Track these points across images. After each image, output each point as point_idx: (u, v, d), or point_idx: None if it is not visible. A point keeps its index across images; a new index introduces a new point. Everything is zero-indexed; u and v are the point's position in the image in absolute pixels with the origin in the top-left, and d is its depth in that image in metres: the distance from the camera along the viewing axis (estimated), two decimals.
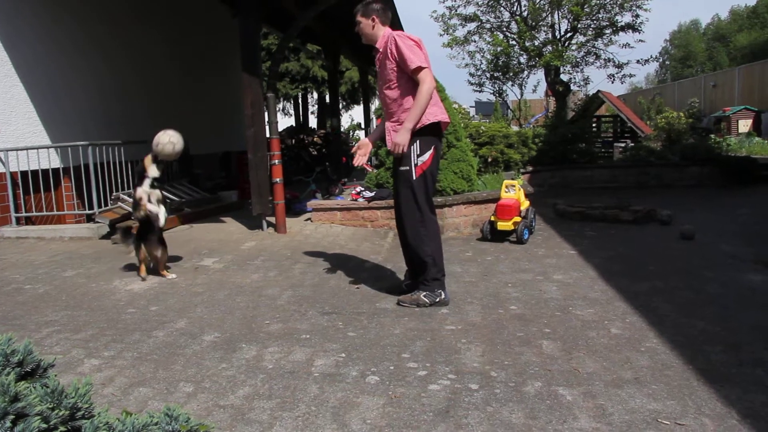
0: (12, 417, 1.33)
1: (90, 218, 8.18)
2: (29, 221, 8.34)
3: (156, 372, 3.40)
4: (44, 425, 1.36)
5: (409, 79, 4.35)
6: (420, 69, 4.26)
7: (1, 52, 7.93)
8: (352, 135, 24.22)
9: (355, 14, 4.60)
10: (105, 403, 2.98)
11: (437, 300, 4.49)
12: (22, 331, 4.18)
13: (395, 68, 4.37)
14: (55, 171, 8.33)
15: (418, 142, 4.38)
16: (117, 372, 3.41)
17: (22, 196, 8.16)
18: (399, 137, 4.34)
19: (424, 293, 4.49)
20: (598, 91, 16.42)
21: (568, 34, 17.27)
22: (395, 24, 10.93)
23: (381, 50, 4.47)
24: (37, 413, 1.36)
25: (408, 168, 4.41)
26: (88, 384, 1.53)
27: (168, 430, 1.60)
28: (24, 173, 8.04)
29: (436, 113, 4.41)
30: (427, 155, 4.40)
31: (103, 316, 4.48)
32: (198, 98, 12.97)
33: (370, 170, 9.46)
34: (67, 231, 7.85)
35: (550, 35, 17.60)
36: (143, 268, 5.57)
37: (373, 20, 4.50)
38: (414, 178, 4.40)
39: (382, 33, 4.50)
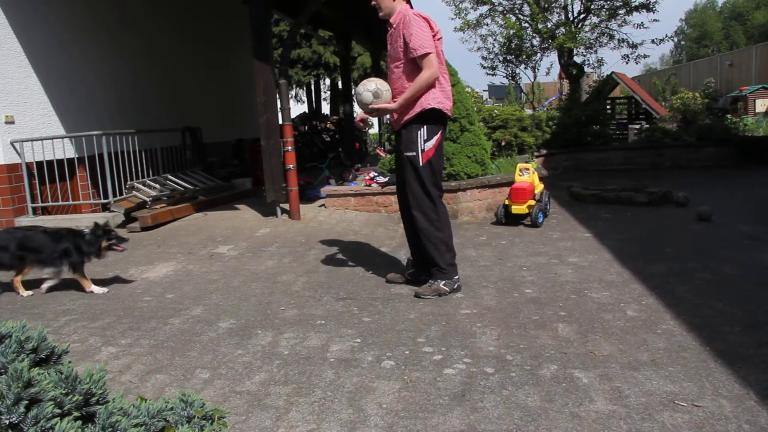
0: (26, 402, 1.34)
1: (105, 207, 8.22)
2: (45, 211, 8.40)
3: (173, 359, 3.43)
4: (58, 410, 1.37)
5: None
6: (425, 56, 4.19)
7: (15, 43, 7.95)
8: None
9: None
10: (122, 389, 3.00)
11: (455, 286, 4.46)
12: (41, 319, 4.23)
13: (404, 48, 4.29)
14: (70, 161, 8.37)
15: (424, 127, 4.34)
16: (134, 359, 3.44)
17: (38, 186, 8.21)
18: (384, 105, 4.36)
19: (443, 282, 4.44)
20: (612, 72, 16.22)
21: (581, 16, 17.08)
22: None
23: (394, 26, 4.38)
24: (50, 399, 1.37)
25: (414, 154, 4.36)
26: (102, 370, 1.54)
27: (183, 415, 1.60)
28: (39, 163, 8.09)
29: (440, 99, 4.33)
30: (434, 140, 4.36)
31: (120, 304, 4.51)
32: (210, 86, 12.97)
33: (384, 156, 9.45)
34: (83, 220, 7.88)
35: (563, 17, 17.42)
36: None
37: None
38: (421, 164, 4.35)
39: (399, 8, 4.40)
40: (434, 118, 4.35)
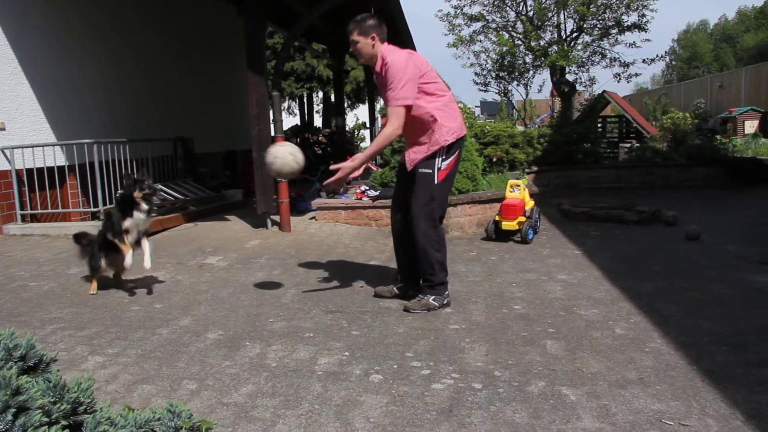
0: (13, 410, 1.33)
1: (95, 216, 8.19)
2: (34, 219, 8.36)
3: (159, 369, 3.41)
4: (46, 419, 1.36)
5: (419, 98, 4.20)
6: (393, 107, 4.08)
7: (8, 50, 7.95)
8: (357, 134, 24.20)
9: (349, 33, 4.27)
10: (108, 399, 2.99)
11: (444, 302, 4.45)
12: (27, 327, 4.20)
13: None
14: (61, 169, 8.34)
15: (444, 149, 4.32)
16: (121, 369, 3.42)
17: (27, 193, 8.18)
18: (349, 164, 4.23)
19: (433, 297, 4.42)
20: (604, 91, 16.35)
21: (574, 34, 17.25)
22: (401, 23, 10.96)
23: (378, 72, 4.28)
24: (38, 407, 1.36)
25: (430, 171, 4.30)
26: (91, 379, 1.53)
27: (170, 426, 1.59)
28: (30, 171, 8.06)
29: (454, 129, 4.30)
30: (451, 159, 4.33)
31: (108, 314, 4.49)
32: (203, 97, 12.99)
33: (375, 169, 9.46)
34: (72, 228, 7.82)
35: (555, 35, 17.58)
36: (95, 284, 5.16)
37: (373, 38, 4.23)
38: (436, 182, 4.31)
39: (378, 52, 4.25)
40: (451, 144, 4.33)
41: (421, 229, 4.37)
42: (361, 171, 4.40)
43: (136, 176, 4.89)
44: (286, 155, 4.22)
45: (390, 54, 4.19)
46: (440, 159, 4.30)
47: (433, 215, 4.38)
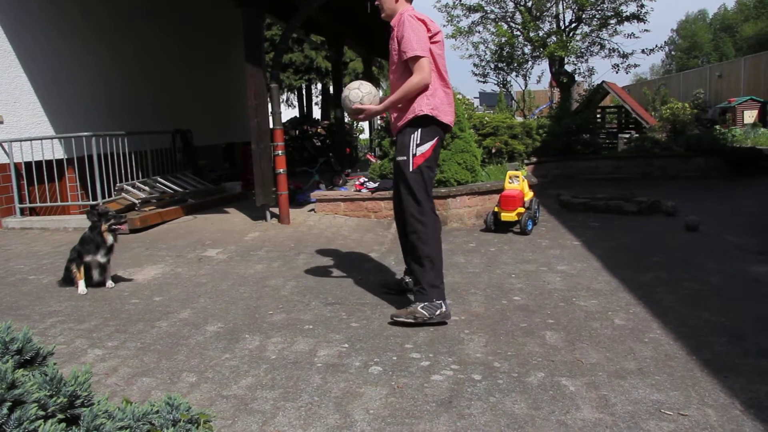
0: (9, 404, 1.33)
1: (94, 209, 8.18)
2: (33, 212, 8.35)
3: (159, 362, 3.41)
4: (42, 412, 1.36)
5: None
6: (416, 59, 3.96)
7: (5, 43, 7.92)
8: (356, 126, 24.15)
9: None
10: (108, 392, 2.98)
11: (437, 313, 3.90)
12: (27, 321, 4.20)
13: (398, 50, 4.08)
14: (59, 162, 8.33)
15: (419, 131, 4.07)
16: (120, 362, 3.42)
17: (26, 186, 8.17)
18: (373, 107, 4.17)
19: (422, 305, 3.93)
20: (603, 81, 16.28)
21: (573, 25, 17.19)
22: None
23: (394, 28, 4.17)
24: (34, 400, 1.36)
25: (405, 158, 4.08)
26: (88, 372, 1.53)
27: (168, 419, 1.59)
28: (28, 164, 8.04)
29: (434, 105, 4.07)
30: (428, 146, 4.07)
31: (107, 307, 4.49)
32: (201, 89, 12.95)
33: (374, 161, 9.45)
34: (71, 222, 7.86)
35: (554, 25, 17.52)
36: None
37: None
38: (410, 169, 4.05)
39: (401, 9, 4.18)
40: (432, 124, 4.09)
41: (408, 221, 4.12)
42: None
43: (99, 210, 5.07)
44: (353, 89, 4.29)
45: (409, 11, 4.13)
46: (414, 145, 4.06)
47: (415, 204, 4.06)
